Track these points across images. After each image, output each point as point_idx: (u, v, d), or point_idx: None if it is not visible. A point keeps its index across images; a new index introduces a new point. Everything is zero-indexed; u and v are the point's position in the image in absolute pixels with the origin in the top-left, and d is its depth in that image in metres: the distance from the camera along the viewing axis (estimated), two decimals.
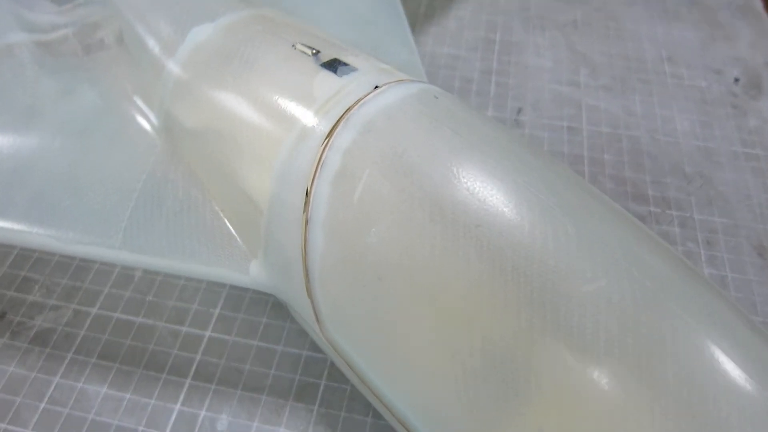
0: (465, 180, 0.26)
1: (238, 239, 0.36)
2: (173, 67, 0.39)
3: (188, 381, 0.44)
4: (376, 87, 0.31)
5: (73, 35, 0.49)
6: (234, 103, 0.34)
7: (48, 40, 0.49)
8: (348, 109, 0.30)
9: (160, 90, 0.40)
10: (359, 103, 0.30)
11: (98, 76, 0.44)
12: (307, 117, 0.31)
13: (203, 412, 0.42)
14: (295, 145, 0.31)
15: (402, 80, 0.32)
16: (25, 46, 0.47)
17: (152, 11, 0.42)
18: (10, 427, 0.41)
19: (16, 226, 0.37)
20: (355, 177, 0.28)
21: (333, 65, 0.33)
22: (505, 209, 0.25)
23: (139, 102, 0.41)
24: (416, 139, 0.28)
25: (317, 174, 0.29)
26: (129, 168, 0.39)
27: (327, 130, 0.30)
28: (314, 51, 0.34)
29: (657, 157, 0.59)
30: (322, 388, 0.43)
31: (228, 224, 0.36)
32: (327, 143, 0.29)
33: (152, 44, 0.41)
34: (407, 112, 0.29)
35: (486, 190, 0.26)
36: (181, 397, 0.43)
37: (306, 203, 0.30)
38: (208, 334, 0.46)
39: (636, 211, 0.55)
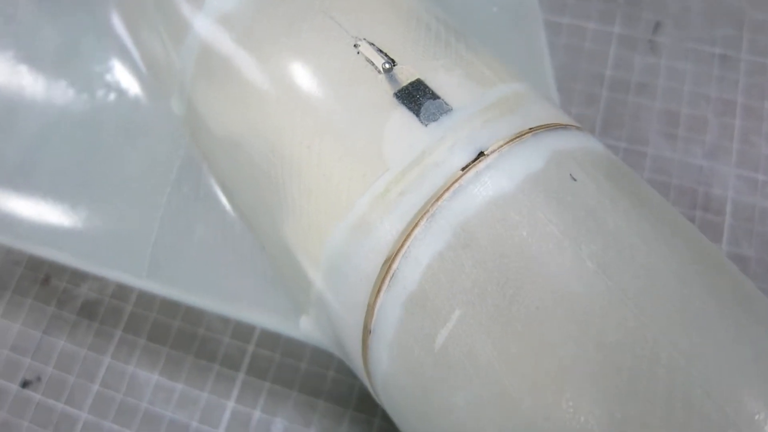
0: (600, 360, 0.17)
1: (283, 285, 0.29)
2: (194, 40, 0.28)
3: (241, 375, 0.40)
4: (481, 154, 0.20)
5: None
6: (273, 127, 0.25)
7: None
8: (436, 198, 0.20)
9: (178, 65, 0.30)
10: (453, 187, 0.20)
11: (105, 27, 0.34)
12: (371, 195, 0.21)
13: (257, 413, 0.39)
14: (354, 234, 0.22)
15: (520, 135, 0.21)
16: None
17: None
18: (68, 408, 0.40)
19: (29, 234, 0.31)
20: (440, 315, 0.19)
21: (415, 98, 0.22)
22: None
23: (155, 77, 0.32)
24: (536, 270, 0.18)
25: (384, 286, 0.21)
26: (149, 174, 0.31)
27: (401, 229, 0.20)
28: (387, 63, 0.22)
29: None
30: None
31: (271, 266, 0.29)
32: (401, 250, 0.20)
33: None
34: (527, 213, 0.19)
35: (626, 384, 0.17)
36: (235, 393, 0.40)
37: (368, 313, 0.22)
38: None
39: None
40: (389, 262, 0.20)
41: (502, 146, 0.20)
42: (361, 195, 0.21)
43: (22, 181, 0.32)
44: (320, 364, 0.40)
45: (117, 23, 0.32)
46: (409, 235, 0.20)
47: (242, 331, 0.41)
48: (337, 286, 0.23)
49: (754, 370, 0.17)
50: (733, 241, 0.41)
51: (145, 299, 0.43)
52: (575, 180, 0.20)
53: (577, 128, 0.22)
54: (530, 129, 0.21)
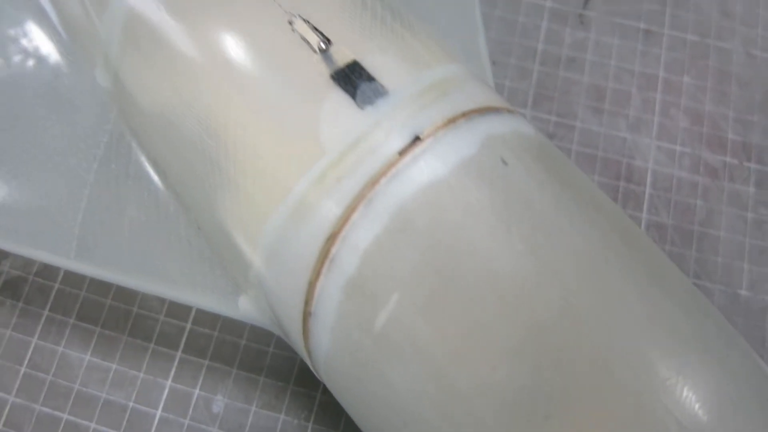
0: (529, 338, 0.18)
1: (221, 266, 0.29)
2: (119, 7, 0.27)
3: (179, 354, 0.40)
4: (417, 138, 0.21)
5: None
6: (205, 104, 0.24)
7: None
8: (373, 183, 0.20)
9: (102, 34, 0.28)
10: (390, 171, 0.20)
11: None
12: (309, 180, 0.21)
13: (197, 391, 0.39)
14: (292, 218, 0.21)
15: (454, 119, 0.21)
16: None
17: None
18: None
19: None
20: (378, 299, 0.20)
21: (351, 80, 0.22)
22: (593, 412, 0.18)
23: (77, 45, 0.30)
24: (469, 253, 0.19)
25: (324, 270, 0.21)
26: (74, 149, 0.29)
27: (339, 214, 0.20)
28: (323, 42, 0.22)
29: (748, 83, 0.48)
30: None
31: (208, 244, 0.29)
32: (339, 234, 0.20)
33: None
34: (460, 197, 0.20)
35: (580, 371, 0.18)
36: (172, 372, 0.39)
37: (308, 296, 0.22)
38: None
39: (709, 161, 0.45)
40: (328, 246, 0.21)
41: (437, 131, 0.21)
42: (299, 179, 0.21)
43: None
44: (260, 340, 0.40)
45: None
46: (347, 220, 0.20)
47: (178, 309, 0.41)
48: (277, 269, 0.23)
49: (667, 343, 0.19)
50: (652, 210, 0.44)
51: (74, 277, 0.41)
52: (506, 164, 0.20)
53: (509, 111, 0.23)
54: (463, 113, 0.21)
